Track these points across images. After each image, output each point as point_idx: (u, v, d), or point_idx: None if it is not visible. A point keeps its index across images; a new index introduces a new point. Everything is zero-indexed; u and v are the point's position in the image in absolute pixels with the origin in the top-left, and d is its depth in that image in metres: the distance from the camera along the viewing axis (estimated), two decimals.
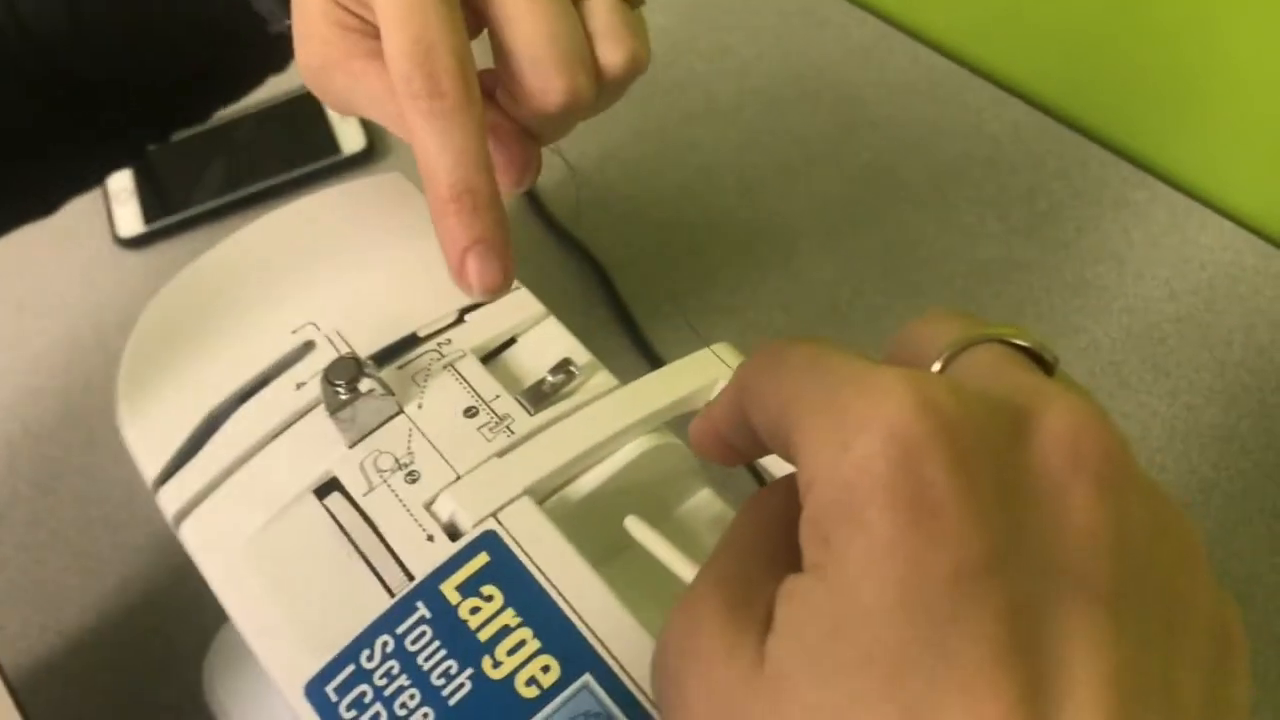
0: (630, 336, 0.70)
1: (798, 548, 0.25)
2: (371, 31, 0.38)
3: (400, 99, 0.35)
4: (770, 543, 0.28)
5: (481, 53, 0.37)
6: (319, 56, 0.39)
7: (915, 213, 0.75)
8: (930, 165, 0.78)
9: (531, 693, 0.33)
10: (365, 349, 0.41)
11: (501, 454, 0.38)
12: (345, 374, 0.38)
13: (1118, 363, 0.67)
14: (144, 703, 0.61)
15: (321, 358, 0.40)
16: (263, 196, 0.82)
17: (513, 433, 0.38)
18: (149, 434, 0.41)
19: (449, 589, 0.35)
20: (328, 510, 0.38)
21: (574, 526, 0.36)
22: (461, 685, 0.33)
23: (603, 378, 0.41)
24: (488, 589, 0.35)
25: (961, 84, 0.82)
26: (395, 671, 0.34)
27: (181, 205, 0.82)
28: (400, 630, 0.35)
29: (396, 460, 0.38)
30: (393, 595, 0.35)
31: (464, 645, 0.34)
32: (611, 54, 0.38)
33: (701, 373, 0.41)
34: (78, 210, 0.80)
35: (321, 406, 0.39)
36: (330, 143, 0.84)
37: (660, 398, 0.40)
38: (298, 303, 0.43)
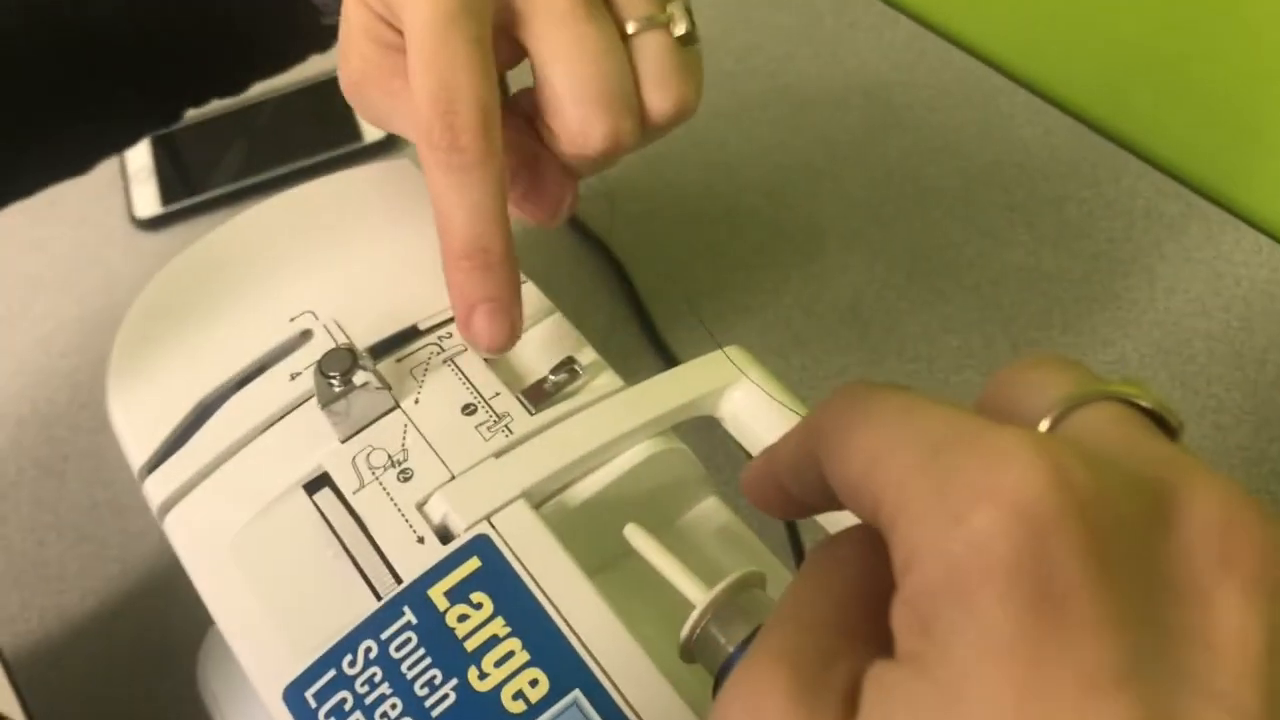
0: (647, 335, 0.69)
1: (880, 621, 0.22)
2: None
3: (419, 147, 0.34)
4: (845, 613, 0.24)
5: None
6: (357, 72, 0.38)
7: (942, 218, 0.74)
8: (959, 170, 0.76)
9: (518, 707, 0.31)
10: (364, 340, 0.39)
11: (499, 454, 0.36)
12: (339, 365, 0.36)
13: (1145, 379, 0.65)
14: (142, 691, 0.60)
15: (318, 348, 0.39)
16: (282, 181, 0.81)
17: (511, 432, 0.37)
18: (138, 421, 0.40)
19: (437, 594, 0.33)
20: (317, 507, 0.36)
21: (571, 533, 0.35)
22: (445, 696, 0.32)
23: (607, 378, 0.39)
24: (477, 596, 0.33)
25: (994, 89, 0.81)
26: (378, 679, 0.32)
27: (200, 187, 0.81)
28: (385, 636, 0.33)
29: (390, 457, 0.37)
30: (379, 598, 0.34)
31: (450, 654, 0.32)
32: (659, 99, 0.37)
33: (712, 376, 0.39)
34: (96, 189, 0.81)
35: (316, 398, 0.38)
36: (352, 129, 0.83)
37: (667, 400, 0.38)
38: (297, 290, 0.41)
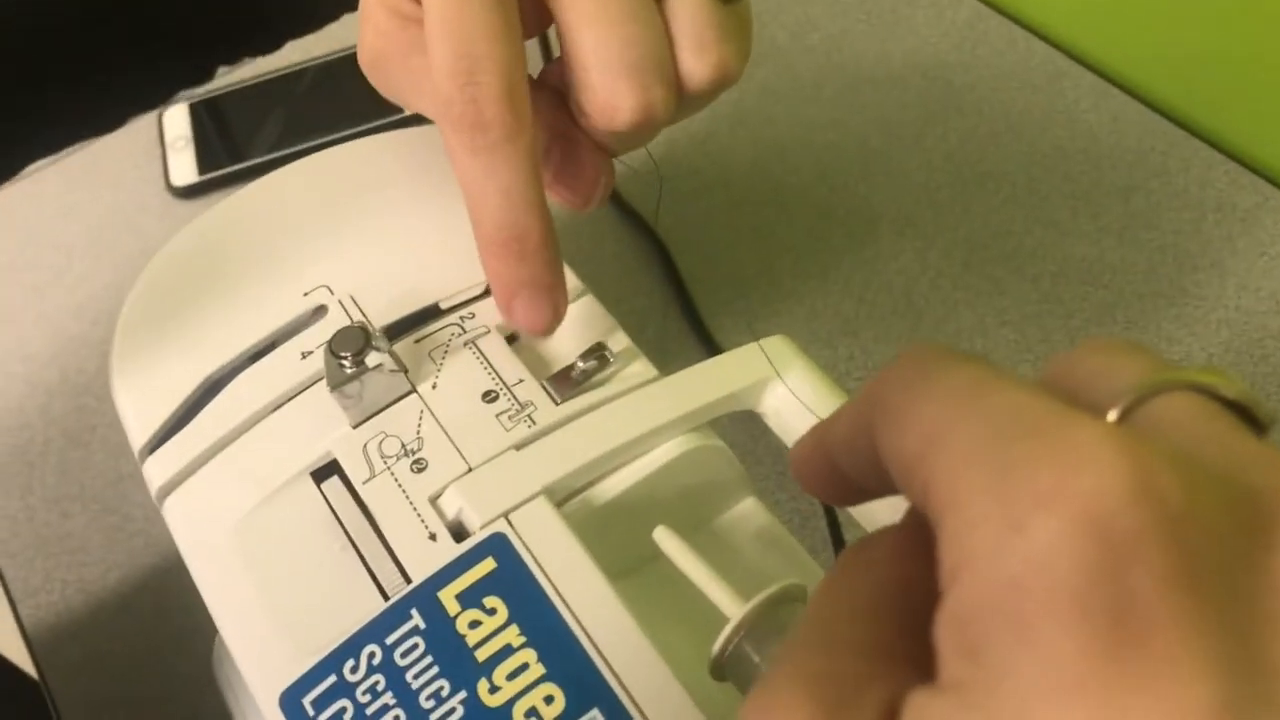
0: (689, 322, 0.66)
1: (920, 637, 0.19)
2: None
3: (440, 123, 0.31)
4: (878, 628, 0.21)
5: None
6: (374, 49, 0.36)
7: (1002, 205, 0.71)
8: (1021, 155, 0.73)
9: None
10: (380, 318, 0.37)
11: (520, 446, 0.34)
12: (352, 345, 0.34)
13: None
14: (161, 670, 0.58)
15: (333, 325, 0.37)
16: (320, 151, 0.79)
17: (534, 423, 0.34)
18: (141, 398, 0.38)
19: (448, 597, 0.31)
20: (324, 496, 0.34)
21: (595, 535, 0.32)
22: (453, 711, 0.29)
23: (641, 366, 0.36)
24: (491, 600, 0.31)
25: (1059, 71, 0.78)
26: (380, 688, 0.30)
27: (237, 156, 0.80)
28: (390, 640, 0.31)
29: (403, 445, 0.34)
30: (387, 599, 0.31)
31: (459, 664, 0.30)
32: (695, 63, 0.33)
33: (755, 367, 0.36)
34: (132, 156, 0.80)
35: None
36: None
37: (705, 393, 0.35)
38: (312, 263, 0.39)
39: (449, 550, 0.32)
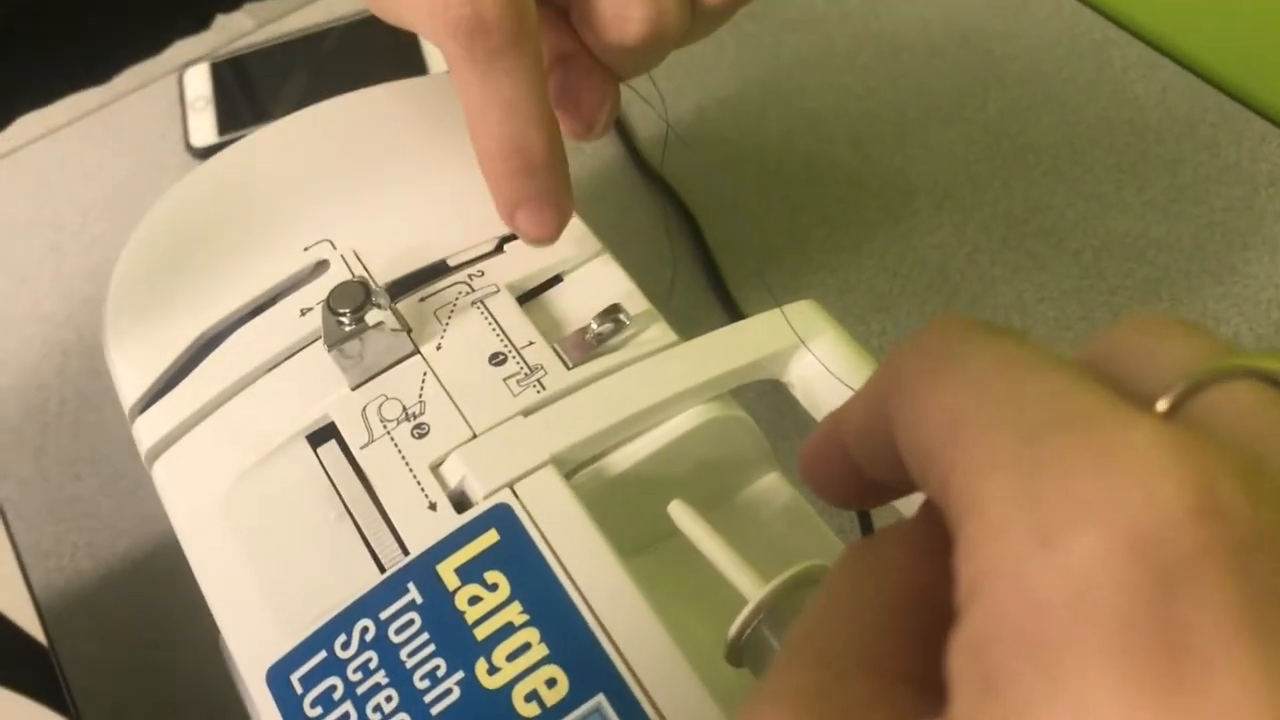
0: (715, 291, 0.64)
1: (930, 655, 0.17)
2: None
3: (436, 32, 0.29)
4: (882, 643, 0.18)
5: None
6: None
7: (1043, 178, 0.68)
8: (1064, 127, 0.71)
9: (531, 710, 0.27)
10: (384, 274, 0.35)
11: (527, 413, 0.32)
12: (351, 301, 0.32)
13: None
14: (171, 636, 0.57)
15: (334, 281, 0.34)
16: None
17: (544, 388, 0.32)
18: (133, 355, 0.36)
19: (447, 570, 0.29)
20: (320, 461, 0.32)
21: (605, 508, 0.30)
22: (448, 692, 0.27)
23: (659, 331, 0.34)
24: (492, 575, 0.29)
25: (1105, 40, 0.75)
26: (373, 665, 0.28)
27: (258, 117, 0.78)
28: (385, 615, 0.29)
29: (404, 409, 0.32)
30: (383, 571, 0.30)
31: (457, 642, 0.28)
32: None
33: (780, 334, 0.34)
34: (152, 117, 0.79)
35: None
36: (417, 59, 0.79)
37: (727, 360, 0.33)
38: (315, 215, 0.37)
39: (450, 521, 0.30)
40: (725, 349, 0.34)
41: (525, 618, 0.28)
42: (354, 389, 0.33)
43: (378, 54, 0.81)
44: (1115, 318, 0.62)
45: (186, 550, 0.32)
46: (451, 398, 0.32)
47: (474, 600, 0.28)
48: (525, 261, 0.36)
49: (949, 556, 0.17)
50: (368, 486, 0.31)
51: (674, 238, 0.67)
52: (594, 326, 0.34)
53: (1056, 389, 0.16)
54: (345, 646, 0.28)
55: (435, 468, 0.31)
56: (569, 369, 0.33)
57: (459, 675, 0.27)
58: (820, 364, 0.33)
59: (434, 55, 0.79)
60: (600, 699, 0.27)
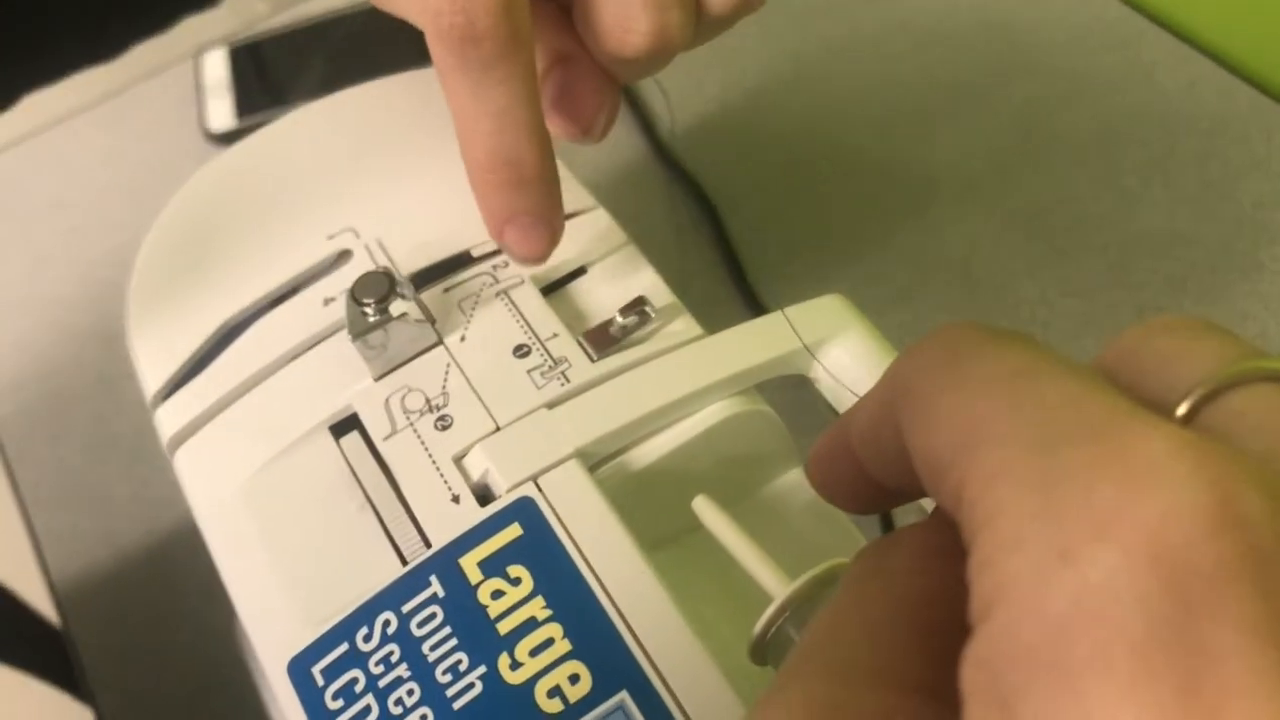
0: (735, 283, 0.64)
1: (945, 666, 0.16)
2: None
3: (428, 36, 0.28)
4: (893, 654, 0.18)
5: None
6: None
7: (1069, 170, 0.68)
8: (1091, 119, 0.70)
9: (554, 706, 0.26)
10: (408, 264, 0.35)
11: (552, 405, 0.32)
12: (375, 291, 0.32)
13: None
14: (186, 622, 0.57)
15: (357, 270, 0.34)
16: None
17: (568, 380, 0.32)
18: (155, 343, 0.36)
19: (470, 564, 0.29)
20: (342, 452, 0.32)
21: (629, 502, 0.30)
22: (470, 686, 0.27)
23: (684, 324, 0.34)
24: (516, 570, 0.28)
25: (1135, 32, 0.75)
26: (395, 659, 0.28)
27: (276, 102, 0.78)
28: (407, 609, 0.28)
29: (428, 401, 0.32)
30: (405, 563, 0.29)
31: (479, 637, 0.28)
32: None
33: (807, 328, 0.33)
34: (170, 101, 0.79)
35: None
36: None
37: (753, 354, 0.33)
38: (339, 204, 0.37)
39: (473, 514, 0.30)
40: (750, 343, 0.33)
41: (548, 613, 0.28)
42: (377, 380, 0.33)
43: (396, 39, 0.80)
44: (1140, 314, 0.61)
45: (208, 540, 0.32)
46: (475, 390, 0.32)
47: (497, 594, 0.28)
48: None
49: (962, 563, 0.16)
50: (390, 478, 0.31)
51: (692, 228, 0.67)
52: (619, 319, 0.33)
53: (1071, 395, 0.16)
54: (367, 639, 0.28)
55: (458, 460, 0.31)
56: (593, 361, 0.33)
57: (481, 670, 0.27)
58: (848, 360, 0.33)
59: None
60: (624, 695, 0.26)
